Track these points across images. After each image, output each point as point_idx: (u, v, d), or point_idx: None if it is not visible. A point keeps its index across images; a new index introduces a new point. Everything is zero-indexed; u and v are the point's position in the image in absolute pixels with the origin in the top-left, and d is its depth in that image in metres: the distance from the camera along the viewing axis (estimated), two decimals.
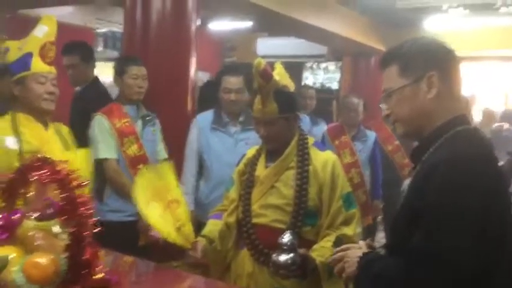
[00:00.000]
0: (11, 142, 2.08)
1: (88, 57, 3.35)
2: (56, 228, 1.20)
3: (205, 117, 3.05)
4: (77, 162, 2.00)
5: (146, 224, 2.80)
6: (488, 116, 5.53)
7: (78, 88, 3.39)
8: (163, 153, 3.03)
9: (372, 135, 3.93)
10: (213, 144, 2.96)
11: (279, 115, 1.96)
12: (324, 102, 5.09)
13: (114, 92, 3.32)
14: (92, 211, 1.14)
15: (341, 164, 2.12)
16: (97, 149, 2.80)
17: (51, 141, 2.16)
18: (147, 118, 3.00)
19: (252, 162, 2.09)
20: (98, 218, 1.24)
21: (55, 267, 1.12)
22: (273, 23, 5.65)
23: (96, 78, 3.42)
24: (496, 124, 5.06)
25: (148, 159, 2.89)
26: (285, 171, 2.00)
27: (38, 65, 2.12)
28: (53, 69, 2.18)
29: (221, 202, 2.27)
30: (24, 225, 1.22)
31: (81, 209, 1.10)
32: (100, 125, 2.82)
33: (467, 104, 3.72)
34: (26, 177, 1.22)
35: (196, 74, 3.49)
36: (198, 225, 2.34)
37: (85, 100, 3.22)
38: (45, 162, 1.14)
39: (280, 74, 2.03)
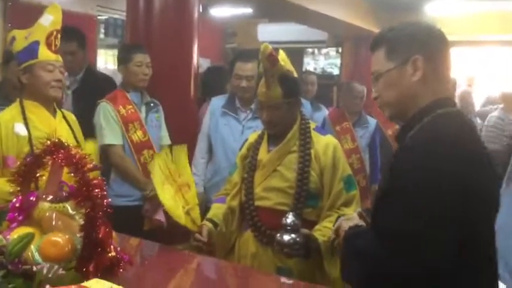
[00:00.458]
0: (21, 128, 2.13)
1: (84, 43, 3.33)
2: (71, 210, 1.25)
3: (219, 100, 3.07)
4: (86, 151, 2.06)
5: (153, 207, 2.90)
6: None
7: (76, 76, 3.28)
8: (166, 139, 3.08)
9: (372, 121, 3.95)
10: (220, 129, 2.97)
11: (283, 99, 1.99)
12: (325, 87, 5.11)
13: (115, 79, 3.36)
14: (104, 193, 1.20)
15: (342, 149, 2.16)
16: (102, 135, 2.85)
17: (59, 128, 2.20)
18: (151, 105, 3.05)
19: (255, 147, 2.13)
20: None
21: (71, 245, 1.18)
22: (273, 9, 5.65)
23: (90, 64, 3.43)
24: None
25: (152, 144, 2.95)
26: (287, 155, 2.04)
27: (45, 53, 2.15)
28: (59, 57, 2.23)
29: (222, 187, 2.32)
30: (40, 206, 1.28)
31: (95, 190, 1.16)
32: (105, 111, 2.87)
33: (454, 86, 3.71)
34: (41, 161, 1.28)
35: (198, 60, 3.53)
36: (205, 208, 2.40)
37: (91, 86, 3.19)
38: (60, 146, 1.19)
39: (283, 60, 2.06)
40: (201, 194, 2.92)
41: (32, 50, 2.14)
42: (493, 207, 1.32)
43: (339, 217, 1.65)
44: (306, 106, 4.01)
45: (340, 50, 8.68)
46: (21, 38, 2.19)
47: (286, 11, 5.54)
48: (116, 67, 3.07)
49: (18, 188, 1.35)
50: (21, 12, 4.62)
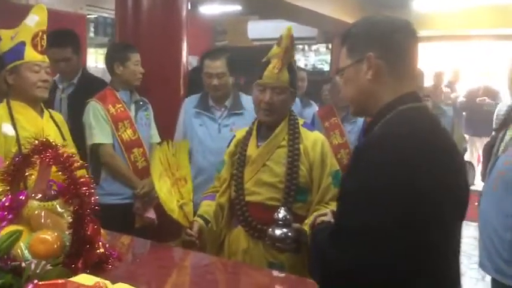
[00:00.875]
0: (8, 129, 2.13)
1: (78, 48, 3.26)
2: (59, 208, 1.27)
3: (192, 100, 3.05)
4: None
5: (143, 205, 2.91)
6: None
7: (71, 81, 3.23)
8: (156, 137, 3.10)
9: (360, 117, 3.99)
10: (196, 129, 2.95)
11: (289, 86, 2.03)
12: (315, 84, 5.12)
13: (105, 78, 3.34)
14: (92, 191, 1.21)
15: (331, 145, 2.18)
16: (92, 134, 2.86)
17: (46, 128, 2.21)
18: (141, 103, 3.06)
19: (243, 143, 2.14)
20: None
21: (60, 243, 1.19)
22: (262, 6, 5.66)
23: (84, 67, 3.42)
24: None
25: (142, 143, 2.96)
26: (276, 150, 2.05)
27: (31, 54, 2.16)
28: (45, 58, 2.23)
29: (203, 189, 2.33)
30: (29, 205, 1.29)
31: (83, 188, 1.17)
32: (94, 110, 2.87)
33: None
34: (29, 161, 1.29)
35: (188, 58, 3.54)
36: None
37: (87, 89, 3.09)
38: (48, 145, 1.21)
39: None
40: None
41: (18, 51, 2.15)
42: (457, 199, 1.26)
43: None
44: (296, 102, 4.03)
45: (330, 46, 8.73)
46: (7, 39, 2.19)
47: (275, 8, 5.55)
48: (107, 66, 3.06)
49: (8, 187, 1.36)
50: (9, 12, 4.60)
